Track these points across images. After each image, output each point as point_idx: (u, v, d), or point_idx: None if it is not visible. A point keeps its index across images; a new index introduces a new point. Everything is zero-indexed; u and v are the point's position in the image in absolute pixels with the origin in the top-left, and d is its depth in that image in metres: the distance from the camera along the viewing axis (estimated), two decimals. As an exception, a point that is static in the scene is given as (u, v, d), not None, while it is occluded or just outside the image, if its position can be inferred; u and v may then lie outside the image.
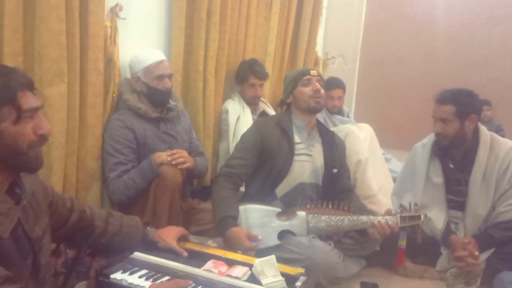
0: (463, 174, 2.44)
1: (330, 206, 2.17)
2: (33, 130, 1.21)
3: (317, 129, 2.43)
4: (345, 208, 2.17)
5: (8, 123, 1.16)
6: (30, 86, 1.23)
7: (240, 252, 1.82)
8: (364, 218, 2.14)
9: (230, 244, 2.02)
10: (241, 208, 2.18)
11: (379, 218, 2.15)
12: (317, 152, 2.38)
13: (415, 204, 2.23)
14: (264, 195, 2.30)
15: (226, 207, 2.15)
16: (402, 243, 2.26)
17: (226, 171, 2.28)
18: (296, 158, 2.31)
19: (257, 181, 2.34)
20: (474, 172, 2.39)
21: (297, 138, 2.35)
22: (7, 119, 1.16)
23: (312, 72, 2.35)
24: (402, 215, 2.16)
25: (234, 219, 2.12)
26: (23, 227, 1.23)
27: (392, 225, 2.12)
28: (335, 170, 2.37)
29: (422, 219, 2.19)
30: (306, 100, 2.31)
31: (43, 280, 1.33)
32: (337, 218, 2.14)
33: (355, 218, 2.14)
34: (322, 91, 2.34)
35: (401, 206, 2.18)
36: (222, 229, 2.09)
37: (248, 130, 2.41)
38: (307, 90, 2.31)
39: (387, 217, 2.15)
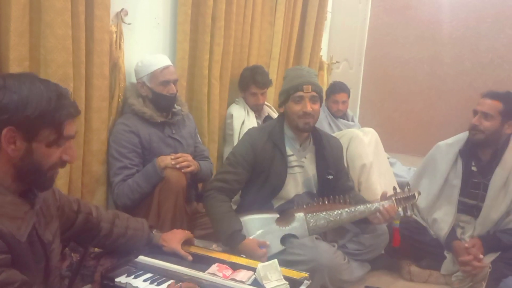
0: (484, 178, 2.44)
1: (326, 202, 2.16)
2: (60, 155, 1.23)
3: (311, 136, 2.34)
4: (341, 201, 2.15)
5: (42, 144, 1.18)
6: (78, 114, 1.26)
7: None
8: (361, 207, 2.15)
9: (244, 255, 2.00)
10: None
11: (376, 204, 2.15)
12: (309, 162, 2.32)
13: (408, 184, 2.24)
14: (259, 207, 2.27)
15: (231, 221, 2.13)
16: (396, 222, 2.26)
17: (219, 186, 2.23)
18: (289, 171, 2.25)
19: (250, 195, 2.31)
20: (496, 174, 2.38)
21: (288, 151, 2.28)
22: (43, 140, 1.18)
23: (305, 88, 2.17)
24: (397, 197, 2.17)
25: (241, 232, 2.11)
26: (37, 231, 1.24)
27: (391, 208, 2.13)
28: (330, 177, 2.31)
29: (416, 197, 2.21)
30: (294, 119, 2.20)
31: (52, 284, 1.34)
32: (335, 212, 2.14)
33: (353, 210, 2.14)
34: (315, 108, 2.20)
35: (394, 188, 2.19)
36: (233, 244, 2.08)
37: (241, 144, 2.33)
38: (297, 109, 2.18)
39: (384, 202, 2.15)
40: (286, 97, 2.23)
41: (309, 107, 2.17)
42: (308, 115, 2.18)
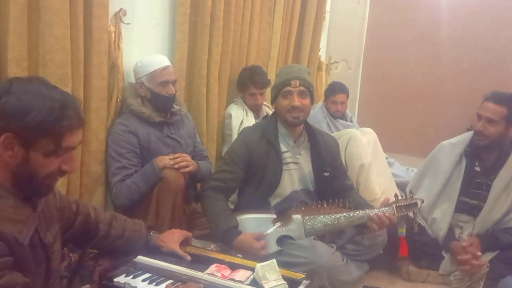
0: (487, 178, 2.44)
1: (325, 205, 2.13)
2: (59, 165, 1.22)
3: (305, 133, 2.35)
4: (340, 205, 2.13)
5: (39, 153, 1.17)
6: (80, 126, 1.24)
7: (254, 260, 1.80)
8: (360, 213, 2.10)
9: (241, 252, 1.99)
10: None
11: (375, 210, 2.11)
12: (304, 159, 2.31)
13: (410, 192, 2.20)
14: (256, 205, 2.26)
15: (227, 218, 2.13)
16: (402, 231, 2.22)
17: (215, 185, 2.24)
18: (284, 167, 2.25)
19: (247, 193, 2.31)
20: (500, 176, 2.38)
21: (283, 147, 2.28)
22: (41, 149, 1.17)
23: (293, 82, 2.19)
24: (398, 204, 2.12)
25: (237, 228, 2.11)
26: (39, 234, 1.24)
27: (389, 216, 2.08)
28: (326, 174, 2.30)
29: (419, 206, 2.16)
30: (284, 114, 2.23)
31: (53, 286, 1.34)
32: (333, 216, 2.10)
33: (351, 214, 2.10)
34: (304, 102, 2.21)
35: (396, 195, 2.16)
36: (229, 240, 2.07)
37: (235, 143, 2.35)
38: (286, 103, 2.21)
39: (384, 208, 2.12)
40: (276, 93, 2.26)
41: (297, 101, 2.19)
42: (296, 109, 2.19)
